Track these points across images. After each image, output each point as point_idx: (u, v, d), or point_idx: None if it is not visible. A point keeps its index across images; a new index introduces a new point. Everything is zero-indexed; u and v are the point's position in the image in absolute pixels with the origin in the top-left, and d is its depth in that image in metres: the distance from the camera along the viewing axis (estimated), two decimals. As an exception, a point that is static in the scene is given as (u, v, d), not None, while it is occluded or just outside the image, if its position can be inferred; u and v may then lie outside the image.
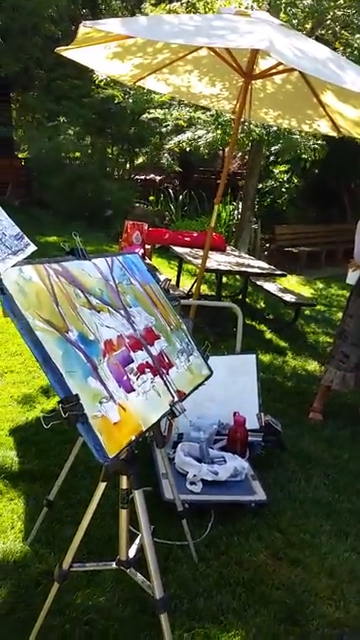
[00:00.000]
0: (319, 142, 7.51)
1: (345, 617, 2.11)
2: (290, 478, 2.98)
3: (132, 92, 7.92)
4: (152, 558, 1.53)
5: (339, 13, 6.23)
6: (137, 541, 1.77)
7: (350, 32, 7.00)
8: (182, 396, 1.62)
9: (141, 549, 1.71)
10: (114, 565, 1.71)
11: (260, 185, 9.18)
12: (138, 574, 1.72)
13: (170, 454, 2.84)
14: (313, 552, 2.42)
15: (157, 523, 2.32)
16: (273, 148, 7.76)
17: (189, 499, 2.51)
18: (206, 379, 1.83)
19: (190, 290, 6.00)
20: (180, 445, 2.85)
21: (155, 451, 2.80)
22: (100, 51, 3.74)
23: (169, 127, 8.35)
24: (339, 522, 2.65)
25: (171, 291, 2.08)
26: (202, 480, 2.66)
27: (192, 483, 2.65)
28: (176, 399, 1.57)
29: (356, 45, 6.78)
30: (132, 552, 1.73)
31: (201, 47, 3.80)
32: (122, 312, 1.54)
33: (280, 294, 5.93)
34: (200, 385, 1.79)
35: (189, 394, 1.67)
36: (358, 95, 3.15)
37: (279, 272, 5.71)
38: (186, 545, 2.28)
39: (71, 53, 3.73)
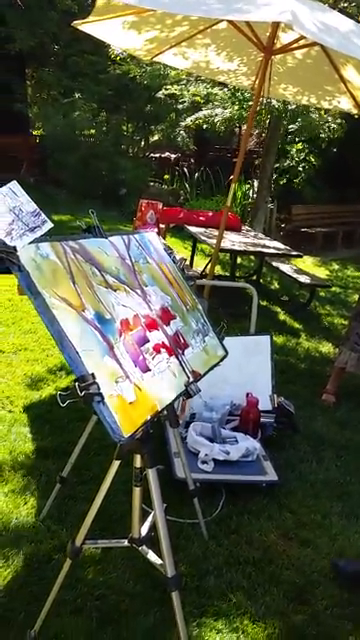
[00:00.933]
0: (337, 121, 7.35)
1: (353, 598, 2.13)
2: (302, 459, 2.98)
3: (149, 68, 7.78)
4: (164, 536, 1.54)
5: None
6: (149, 519, 1.78)
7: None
8: (197, 376, 1.61)
9: (153, 527, 1.72)
10: (126, 543, 1.73)
11: (277, 164, 9.02)
12: (150, 552, 1.73)
13: (182, 433, 2.85)
14: (323, 533, 2.43)
15: (169, 501, 2.32)
16: (290, 126, 7.61)
17: (201, 478, 2.52)
18: (221, 360, 1.82)
19: (204, 270, 5.96)
20: (192, 425, 2.85)
21: (168, 430, 2.81)
22: (117, 25, 3.66)
23: (185, 104, 8.21)
24: (350, 504, 2.65)
25: (186, 271, 2.06)
26: (214, 459, 2.67)
27: (204, 462, 2.66)
28: (191, 379, 1.57)
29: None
30: (144, 530, 1.74)
31: (221, 20, 3.70)
32: (138, 291, 1.53)
33: (295, 275, 5.87)
34: (215, 366, 1.78)
35: (204, 375, 1.67)
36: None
37: (295, 253, 5.64)
38: (197, 523, 2.30)
39: (88, 27, 3.66)
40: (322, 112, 6.97)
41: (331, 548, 2.36)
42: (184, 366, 1.56)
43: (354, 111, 4.33)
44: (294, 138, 7.92)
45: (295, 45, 3.64)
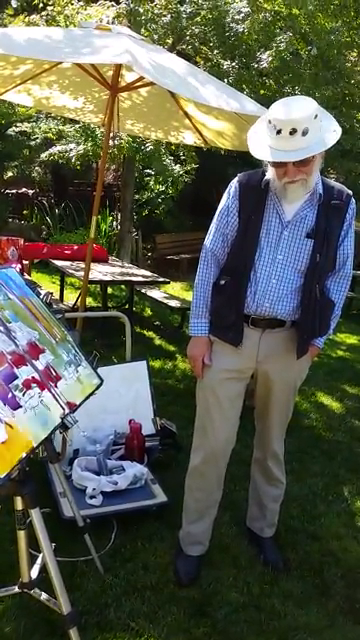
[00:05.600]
0: (190, 152, 7.80)
1: (250, 599, 2.22)
2: (188, 477, 3.05)
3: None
4: (55, 575, 1.50)
5: (197, 30, 6.54)
6: (39, 561, 1.72)
7: (209, 47, 7.38)
8: (73, 407, 1.61)
9: (44, 569, 1.67)
10: (16, 589, 1.65)
11: (137, 196, 9.31)
12: (43, 594, 1.68)
13: (67, 471, 2.79)
14: (214, 544, 2.50)
15: (60, 541, 2.25)
16: (146, 171, 7.95)
17: (90, 513, 2.48)
18: (97, 388, 1.84)
19: (75, 303, 5.93)
20: (77, 461, 2.81)
21: (50, 470, 2.73)
22: None
23: (38, 140, 8.18)
24: (238, 513, 2.77)
25: (54, 305, 2.06)
26: (102, 492, 2.65)
27: (92, 497, 2.62)
28: (67, 411, 1.57)
29: (215, 60, 7.16)
30: (34, 573, 1.68)
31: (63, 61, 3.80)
32: (2, 328, 1.50)
33: (166, 301, 6.07)
34: (91, 395, 1.79)
35: (80, 404, 1.67)
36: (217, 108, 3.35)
37: (162, 279, 5.85)
38: (91, 559, 2.26)
39: None
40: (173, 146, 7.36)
41: (224, 557, 2.45)
42: (58, 398, 1.56)
43: (199, 144, 4.65)
44: (151, 173, 8.26)
45: (139, 83, 3.85)
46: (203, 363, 2.21)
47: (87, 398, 1.73)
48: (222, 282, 2.18)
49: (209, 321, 2.21)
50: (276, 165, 1.95)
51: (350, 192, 2.11)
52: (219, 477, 2.33)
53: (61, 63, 3.92)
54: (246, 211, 2.09)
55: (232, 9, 5.44)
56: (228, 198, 2.16)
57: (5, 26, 7.58)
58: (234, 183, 2.16)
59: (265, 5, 5.61)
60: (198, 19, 6.07)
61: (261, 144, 1.96)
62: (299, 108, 1.86)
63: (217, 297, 2.19)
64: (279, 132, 1.86)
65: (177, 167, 7.12)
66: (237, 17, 5.39)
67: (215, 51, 7.03)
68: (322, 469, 3.35)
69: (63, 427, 1.53)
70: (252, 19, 5.22)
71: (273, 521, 2.53)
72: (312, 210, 2.06)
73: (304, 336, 2.15)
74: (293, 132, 1.83)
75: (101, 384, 1.84)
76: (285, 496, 2.55)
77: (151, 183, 8.23)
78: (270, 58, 5.80)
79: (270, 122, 1.90)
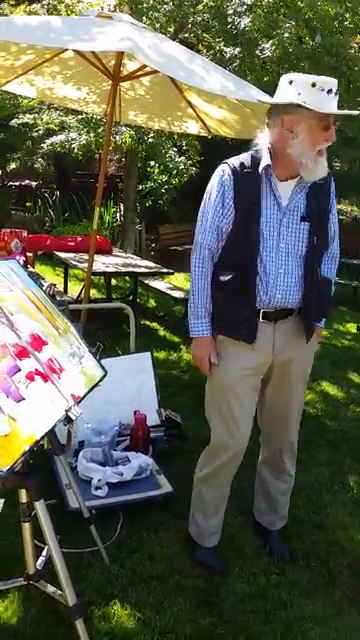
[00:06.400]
0: (192, 142, 7.74)
1: (256, 589, 2.23)
2: (193, 467, 3.04)
3: (-2, 97, 7.61)
4: (61, 566, 1.51)
5: (199, 18, 6.46)
6: (44, 552, 1.72)
7: (211, 35, 7.30)
8: (77, 399, 1.60)
9: (50, 560, 1.67)
10: (22, 580, 1.65)
11: (140, 187, 9.26)
12: (49, 586, 1.68)
13: (72, 463, 2.79)
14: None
15: (66, 533, 2.27)
16: (151, 162, 7.89)
17: (96, 504, 2.49)
18: (101, 380, 1.83)
19: (79, 295, 5.92)
20: (82, 452, 2.81)
21: (56, 462, 2.73)
22: None
23: (40, 132, 8.14)
24: (243, 503, 2.76)
25: (57, 296, 2.05)
26: (107, 483, 2.65)
27: (97, 488, 2.63)
28: (71, 403, 1.56)
29: (218, 48, 7.09)
30: (40, 565, 1.68)
31: (66, 49, 3.76)
32: (4, 320, 1.49)
33: (169, 292, 6.05)
34: (95, 386, 1.78)
35: (84, 396, 1.66)
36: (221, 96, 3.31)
37: (166, 270, 5.83)
38: (97, 550, 2.26)
39: None
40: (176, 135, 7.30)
41: (230, 548, 2.45)
42: (61, 391, 1.55)
43: (203, 133, 4.60)
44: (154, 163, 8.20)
45: (141, 72, 3.81)
46: (210, 362, 2.16)
47: (91, 390, 1.72)
48: (225, 278, 2.07)
49: (213, 319, 2.14)
50: (326, 128, 1.91)
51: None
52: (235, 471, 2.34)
53: (63, 53, 3.89)
54: (244, 201, 2.01)
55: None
56: (221, 188, 2.03)
57: (6, 15, 7.51)
58: (225, 171, 2.03)
59: None
60: (200, 7, 5.99)
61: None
62: None
63: (219, 294, 2.10)
64: (330, 91, 1.86)
65: (181, 159, 7.05)
66: (239, 9, 5.30)
67: (218, 39, 6.96)
68: (328, 458, 3.35)
69: (67, 419, 1.52)
70: (255, 15, 5.14)
71: (284, 513, 2.52)
72: (303, 192, 2.04)
73: (311, 320, 2.14)
74: (336, 93, 1.87)
75: (105, 376, 1.83)
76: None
77: (155, 173, 8.18)
78: (273, 47, 5.72)
79: (315, 85, 1.86)
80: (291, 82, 1.91)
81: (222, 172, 2.04)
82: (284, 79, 1.94)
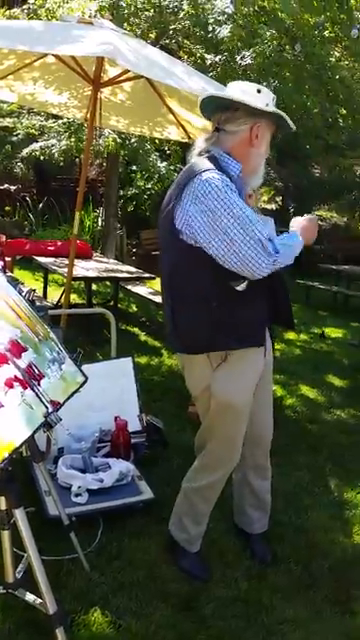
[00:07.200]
0: (175, 147, 7.76)
1: (237, 594, 2.23)
2: (175, 472, 3.04)
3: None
4: (40, 574, 1.49)
5: (180, 25, 6.50)
6: (24, 561, 1.70)
7: (192, 42, 7.34)
8: (57, 406, 1.60)
9: (29, 568, 1.65)
10: (1, 589, 1.64)
11: (122, 192, 9.25)
12: (28, 594, 1.66)
13: (52, 470, 2.77)
14: (204, 540, 2.50)
15: (46, 540, 2.24)
16: (133, 167, 7.88)
17: (75, 511, 2.47)
18: (81, 386, 1.82)
19: (59, 300, 5.88)
20: (61, 459, 2.79)
21: (34, 468, 2.71)
22: None
23: (20, 136, 8.09)
24: (223, 507, 2.77)
25: (37, 302, 2.04)
26: (88, 490, 2.63)
27: (77, 495, 2.61)
28: (50, 409, 1.55)
29: (199, 54, 7.13)
30: (19, 573, 1.66)
31: (47, 54, 3.75)
32: (-17, 326, 1.48)
33: (151, 297, 6.04)
34: (75, 392, 1.77)
35: (64, 403, 1.66)
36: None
37: (147, 275, 5.83)
38: (77, 557, 2.25)
39: None
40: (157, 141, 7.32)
41: (210, 552, 2.45)
42: (41, 397, 1.54)
43: (184, 140, 4.62)
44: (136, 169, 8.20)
45: (122, 78, 3.82)
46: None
47: (71, 396, 1.71)
48: (241, 287, 1.96)
49: (231, 332, 2.01)
50: (272, 139, 2.01)
51: None
52: None
53: (44, 57, 3.87)
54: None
55: (215, 7, 5.38)
56: (232, 192, 1.88)
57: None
58: (223, 179, 1.90)
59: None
60: (181, 14, 6.03)
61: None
62: None
63: (238, 303, 1.99)
64: (273, 99, 1.97)
65: (163, 164, 7.06)
66: (219, 18, 5.34)
67: (198, 46, 7.00)
68: (308, 462, 3.38)
69: (47, 426, 1.52)
70: (234, 26, 5.17)
71: (268, 512, 2.54)
72: None
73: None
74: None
75: (85, 382, 1.82)
76: (272, 490, 2.55)
77: (137, 179, 8.18)
78: (254, 55, 5.78)
79: (260, 91, 1.95)
80: (259, 91, 1.97)
81: (219, 176, 1.90)
82: (251, 88, 2.00)
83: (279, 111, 1.99)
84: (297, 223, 2.12)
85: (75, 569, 2.24)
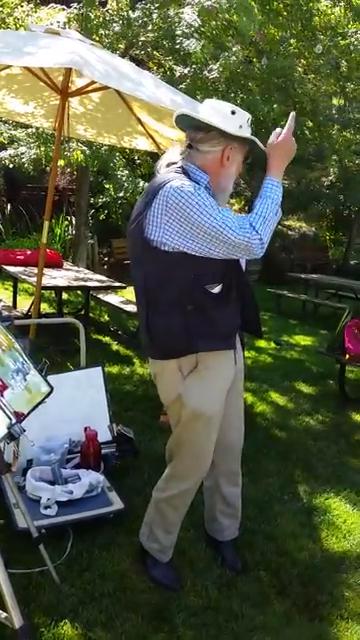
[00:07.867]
0: (143, 157, 7.80)
1: (208, 602, 2.23)
2: (146, 482, 3.03)
3: None
4: (6, 588, 1.47)
5: (150, 36, 6.56)
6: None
7: (161, 54, 7.41)
8: (21, 417, 1.58)
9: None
10: (-35, 606, 1.60)
11: (93, 200, 9.23)
12: (-7, 610, 1.63)
13: (20, 482, 2.73)
14: (174, 549, 2.49)
15: (15, 553, 2.22)
16: (104, 181, 7.87)
17: (45, 524, 2.44)
18: (47, 396, 1.81)
19: (29, 310, 5.82)
20: (30, 471, 2.75)
21: (3, 481, 2.67)
22: None
23: (-12, 145, 8.01)
24: (193, 517, 2.77)
25: (4, 312, 2.02)
26: (57, 502, 2.61)
27: (47, 507, 2.57)
28: (14, 421, 1.54)
29: (168, 66, 7.20)
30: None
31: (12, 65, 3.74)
32: None
33: (122, 306, 6.03)
34: (41, 403, 1.76)
35: (29, 413, 1.64)
36: (171, 114, 3.36)
37: (118, 284, 5.81)
38: (47, 570, 2.22)
39: None
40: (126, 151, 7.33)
41: (181, 563, 2.44)
42: (4, 408, 1.52)
43: (153, 150, 4.66)
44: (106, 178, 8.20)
45: (90, 88, 3.83)
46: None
47: (36, 407, 1.70)
48: (216, 290, 2.02)
49: (204, 336, 2.02)
50: (244, 161, 2.03)
51: None
52: None
53: (9, 67, 3.86)
54: None
55: (182, 20, 5.44)
56: (202, 191, 1.89)
57: None
58: (192, 184, 1.90)
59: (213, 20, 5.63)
60: (150, 27, 6.09)
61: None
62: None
63: (212, 306, 2.01)
64: (248, 119, 1.99)
65: (138, 180, 7.04)
66: (187, 30, 5.41)
67: (167, 57, 7.08)
68: (277, 469, 3.41)
69: (10, 437, 1.50)
70: (203, 45, 5.23)
71: (239, 518, 2.55)
72: None
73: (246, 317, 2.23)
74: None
75: (51, 392, 1.81)
76: (242, 497, 2.56)
77: (109, 188, 8.17)
78: (221, 68, 5.87)
79: (249, 120, 1.99)
80: (234, 112, 1.98)
81: (189, 182, 1.91)
82: (226, 108, 2.00)
83: (251, 137, 2.00)
84: (271, 149, 2.03)
85: (45, 582, 2.21)
